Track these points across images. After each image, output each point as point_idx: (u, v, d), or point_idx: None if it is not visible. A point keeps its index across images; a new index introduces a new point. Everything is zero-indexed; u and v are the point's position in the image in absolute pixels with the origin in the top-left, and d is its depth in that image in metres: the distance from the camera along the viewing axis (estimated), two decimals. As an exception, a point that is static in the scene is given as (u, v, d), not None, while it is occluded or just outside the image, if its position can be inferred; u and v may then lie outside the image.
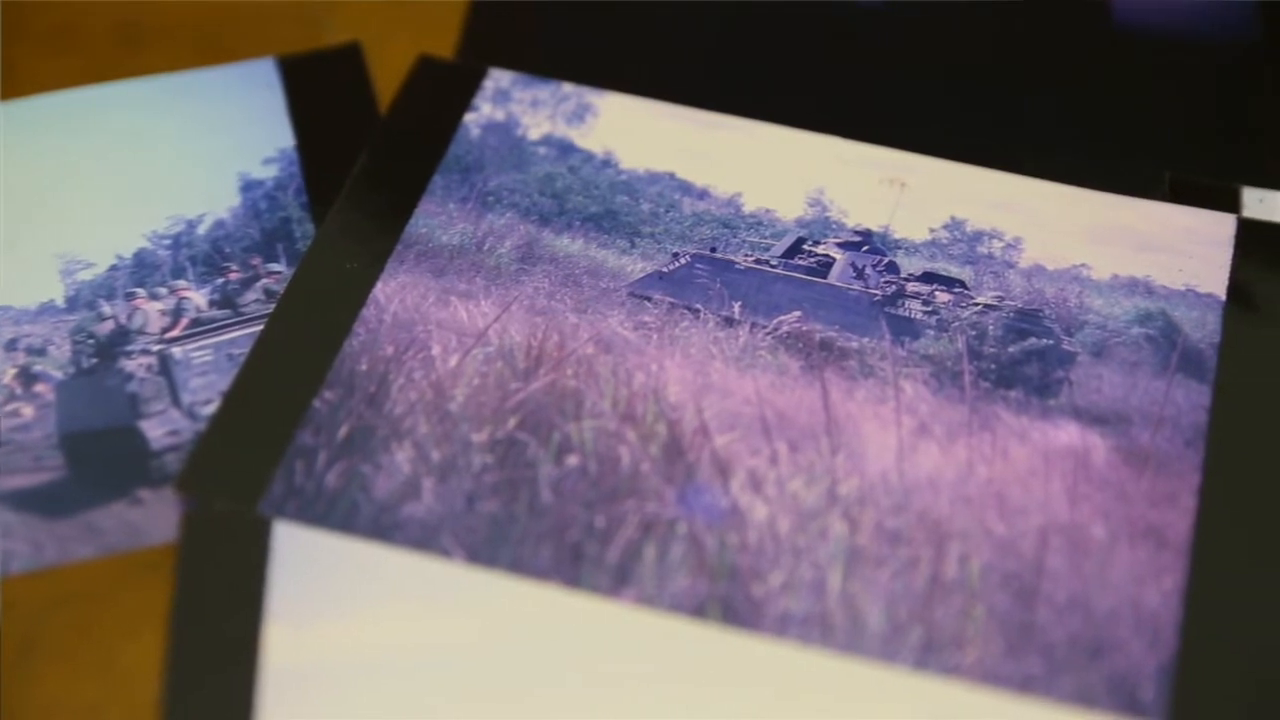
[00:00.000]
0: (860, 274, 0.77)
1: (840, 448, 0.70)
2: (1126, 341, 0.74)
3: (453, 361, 0.72)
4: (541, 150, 0.82)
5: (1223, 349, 0.73)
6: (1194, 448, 0.70)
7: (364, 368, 0.72)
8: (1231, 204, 0.79)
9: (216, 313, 0.76)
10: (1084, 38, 0.88)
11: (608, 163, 0.81)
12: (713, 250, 0.78)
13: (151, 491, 0.69)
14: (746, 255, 0.78)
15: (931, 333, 0.74)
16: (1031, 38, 0.88)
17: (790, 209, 0.79)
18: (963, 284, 0.76)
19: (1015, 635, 0.64)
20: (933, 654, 0.64)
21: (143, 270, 0.76)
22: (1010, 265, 0.77)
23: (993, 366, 0.73)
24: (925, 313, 0.75)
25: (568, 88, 0.83)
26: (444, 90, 0.83)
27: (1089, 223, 0.78)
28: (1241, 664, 0.64)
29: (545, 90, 0.83)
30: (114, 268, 0.77)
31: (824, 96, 0.84)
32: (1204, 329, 0.74)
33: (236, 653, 0.64)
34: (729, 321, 0.75)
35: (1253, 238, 0.77)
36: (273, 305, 0.74)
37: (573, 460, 0.69)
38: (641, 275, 0.77)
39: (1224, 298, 0.75)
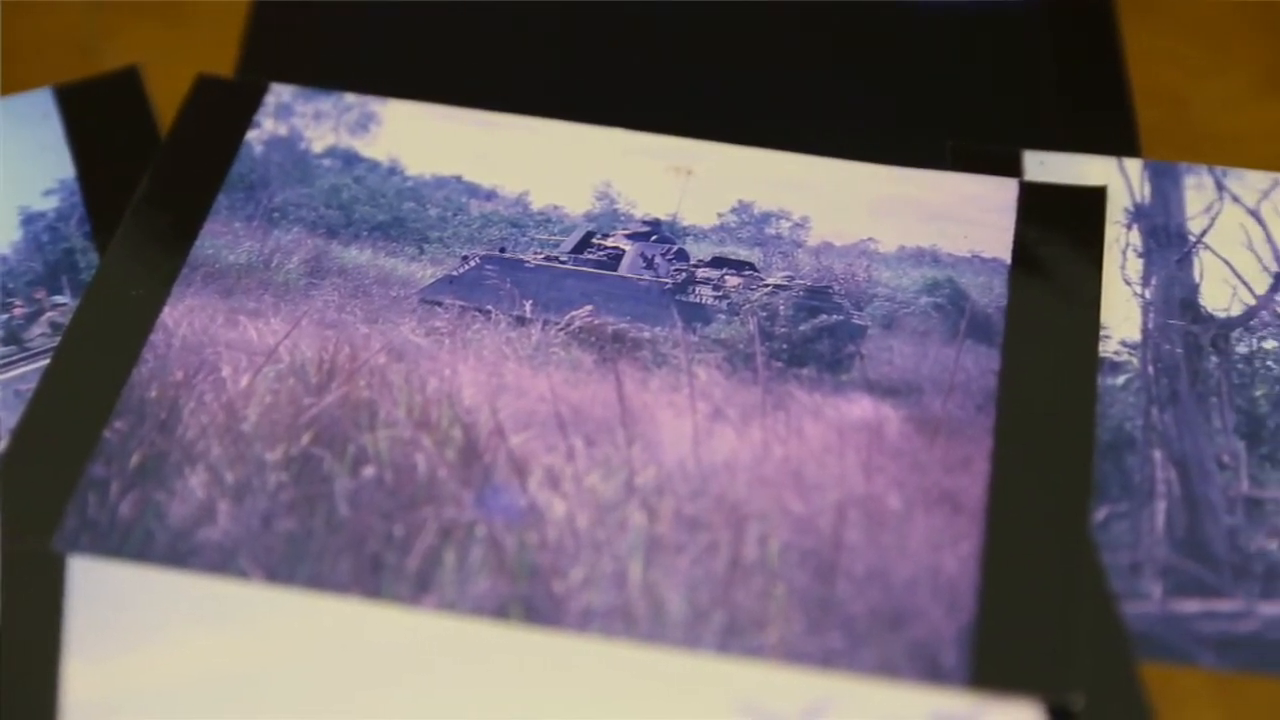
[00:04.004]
0: (650, 264, 0.77)
1: (636, 438, 0.70)
2: (915, 311, 0.75)
3: (244, 381, 0.71)
4: (326, 162, 0.81)
5: (1009, 312, 0.74)
6: (985, 412, 0.71)
7: (154, 394, 0.71)
8: (1013, 168, 0.80)
9: (1, 349, 0.74)
10: (862, 12, 0.88)
11: (394, 170, 0.81)
12: (502, 250, 0.78)
13: (-58, 536, 0.68)
14: (536, 253, 0.78)
15: (723, 317, 0.75)
16: (809, 15, 0.88)
17: (578, 204, 0.79)
18: (752, 266, 0.77)
19: (816, 612, 0.65)
20: (735, 637, 0.64)
21: (-76, 312, 0.75)
22: (798, 244, 0.78)
23: (784, 346, 0.73)
24: (716, 298, 0.75)
25: (350, 98, 0.83)
26: (224, 109, 0.82)
27: (874, 196, 0.79)
28: (1039, 624, 0.65)
29: (328, 102, 0.83)
30: (-105, 312, 0.76)
31: (606, 89, 0.85)
32: (991, 294, 0.75)
33: (36, 692, 0.63)
34: (521, 321, 0.75)
35: (1035, 200, 0.78)
36: (59, 338, 0.73)
37: (369, 471, 0.68)
38: (431, 281, 0.76)
39: (1009, 261, 0.76)
